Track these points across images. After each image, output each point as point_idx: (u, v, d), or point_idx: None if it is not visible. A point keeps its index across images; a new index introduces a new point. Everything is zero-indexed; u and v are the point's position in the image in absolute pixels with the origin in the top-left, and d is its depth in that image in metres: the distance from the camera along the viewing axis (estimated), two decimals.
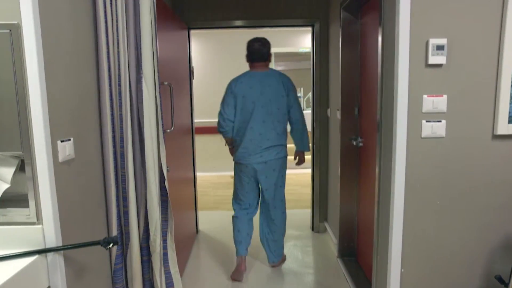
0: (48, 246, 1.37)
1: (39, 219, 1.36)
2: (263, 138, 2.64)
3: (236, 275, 2.79)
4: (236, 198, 2.92)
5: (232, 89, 2.65)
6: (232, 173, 5.91)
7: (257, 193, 2.86)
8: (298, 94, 7.21)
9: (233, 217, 2.91)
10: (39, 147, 1.32)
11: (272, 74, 2.70)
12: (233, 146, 2.81)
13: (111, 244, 1.41)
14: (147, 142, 1.80)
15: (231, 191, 4.84)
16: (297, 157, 2.91)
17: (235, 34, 6.09)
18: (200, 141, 5.98)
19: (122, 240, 1.90)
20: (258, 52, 2.66)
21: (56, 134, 1.39)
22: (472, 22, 1.66)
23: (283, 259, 3.00)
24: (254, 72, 2.70)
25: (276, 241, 2.89)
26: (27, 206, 1.36)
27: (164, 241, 2.00)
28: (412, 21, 1.65)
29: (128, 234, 1.88)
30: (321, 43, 3.46)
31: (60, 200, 1.40)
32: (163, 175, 1.91)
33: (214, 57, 6.28)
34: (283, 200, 2.88)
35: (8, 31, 1.26)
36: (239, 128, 2.69)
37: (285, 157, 2.80)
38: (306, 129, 2.81)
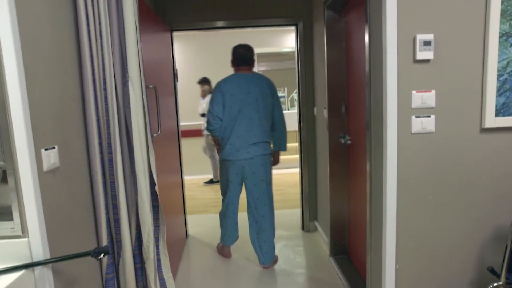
0: (35, 259, 1.31)
1: (24, 232, 1.30)
2: (250, 134, 2.75)
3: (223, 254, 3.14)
4: (223, 195, 3.01)
5: (221, 88, 2.78)
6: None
7: (239, 191, 2.94)
8: (282, 94, 7.24)
9: (220, 213, 3.05)
10: (22, 156, 1.25)
11: (258, 76, 2.86)
12: (220, 145, 2.90)
13: (102, 254, 1.36)
14: (136, 147, 1.75)
15: (217, 194, 4.84)
16: (273, 158, 2.99)
17: (219, 36, 6.04)
18: (186, 144, 5.91)
19: (113, 248, 1.84)
20: (243, 57, 2.83)
21: (39, 142, 1.33)
22: (458, 17, 1.67)
23: (275, 260, 2.99)
24: (241, 74, 2.85)
25: (266, 241, 2.90)
26: (11, 218, 1.29)
27: (157, 247, 1.95)
28: (399, 17, 1.66)
29: (119, 242, 1.83)
30: (305, 42, 3.45)
31: (46, 211, 1.34)
32: (153, 180, 1.86)
33: (197, 59, 6.23)
34: (271, 198, 2.93)
35: None
36: (226, 126, 2.79)
37: (270, 154, 2.91)
38: (285, 129, 2.95)
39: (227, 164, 2.84)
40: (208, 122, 2.83)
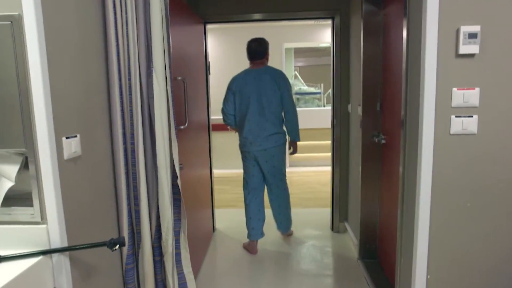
0: (53, 246, 1.32)
1: (43, 219, 1.31)
2: (260, 128, 2.96)
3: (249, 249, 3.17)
4: (244, 182, 3.21)
5: (231, 86, 3.03)
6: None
7: (261, 177, 3.16)
8: (318, 90, 7.08)
9: (244, 204, 3.19)
10: (43, 144, 1.26)
11: (265, 71, 2.98)
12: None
13: (117, 246, 1.35)
14: (158, 139, 1.73)
15: None
16: (291, 147, 3.21)
17: (254, 29, 5.98)
18: (219, 138, 5.91)
19: (134, 239, 1.85)
20: (254, 51, 3.00)
21: (61, 131, 1.34)
22: (509, 6, 1.50)
23: (290, 233, 3.42)
24: (251, 70, 3.03)
25: (281, 214, 3.26)
26: (31, 205, 1.31)
27: (177, 240, 1.93)
28: (441, 7, 1.52)
29: (140, 234, 1.83)
30: (341, 36, 3.32)
31: (65, 199, 1.35)
32: (176, 172, 1.84)
33: (233, 53, 6.20)
34: (282, 179, 3.17)
35: (9, 22, 1.20)
36: (239, 120, 3.05)
37: (284, 143, 3.08)
38: (296, 120, 3.06)
39: (244, 153, 3.12)
40: (223, 118, 3.13)
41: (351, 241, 3.23)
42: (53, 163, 1.29)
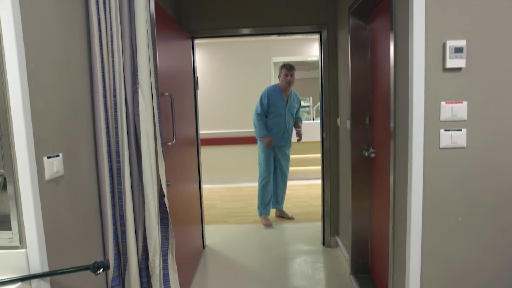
0: (33, 272, 1.26)
1: (22, 243, 1.25)
2: None
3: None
4: None
5: None
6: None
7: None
8: (307, 104, 7.12)
9: None
10: (22, 164, 1.21)
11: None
12: None
13: (101, 269, 1.29)
14: (145, 156, 1.69)
15: (240, 203, 4.87)
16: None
17: (243, 44, 6.01)
18: (209, 152, 5.86)
19: (120, 260, 1.78)
20: None
21: (41, 150, 1.29)
22: (494, 21, 1.52)
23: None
24: None
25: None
26: (9, 228, 1.25)
27: (165, 261, 1.88)
28: (427, 22, 1.53)
29: (126, 255, 1.76)
30: (329, 50, 3.34)
31: (46, 221, 1.29)
32: (163, 190, 1.80)
33: (223, 67, 6.20)
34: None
35: None
36: None
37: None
38: (255, 123, 4.14)
39: None
40: None
41: (343, 256, 3.19)
42: (33, 183, 1.23)
